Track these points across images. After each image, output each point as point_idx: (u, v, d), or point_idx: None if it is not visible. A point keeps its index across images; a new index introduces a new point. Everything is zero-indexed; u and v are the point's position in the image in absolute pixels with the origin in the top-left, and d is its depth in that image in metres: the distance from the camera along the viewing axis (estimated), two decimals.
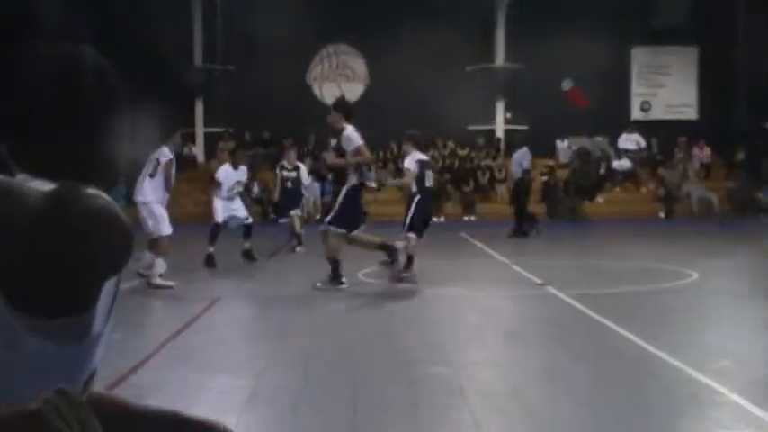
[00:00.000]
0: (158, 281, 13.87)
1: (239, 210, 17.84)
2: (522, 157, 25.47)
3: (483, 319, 11.49)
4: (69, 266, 1.72)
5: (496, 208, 31.94)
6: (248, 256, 17.88)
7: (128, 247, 1.86)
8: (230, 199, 17.71)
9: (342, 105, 15.71)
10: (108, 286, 1.94)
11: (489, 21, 34.27)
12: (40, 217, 1.72)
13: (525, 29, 34.02)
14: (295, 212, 20.98)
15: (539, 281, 14.18)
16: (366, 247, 14.86)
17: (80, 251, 1.72)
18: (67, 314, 1.76)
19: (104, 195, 1.93)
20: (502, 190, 32.91)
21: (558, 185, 32.56)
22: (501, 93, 34.87)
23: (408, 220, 15.21)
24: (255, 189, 30.80)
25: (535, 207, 31.94)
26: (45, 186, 1.86)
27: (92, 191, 1.87)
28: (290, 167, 22.03)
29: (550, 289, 13.38)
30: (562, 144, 34.74)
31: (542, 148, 34.29)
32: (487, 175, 33.03)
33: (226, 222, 17.67)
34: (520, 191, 24.57)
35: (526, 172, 25.13)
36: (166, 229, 14.17)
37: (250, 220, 18.21)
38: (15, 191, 1.79)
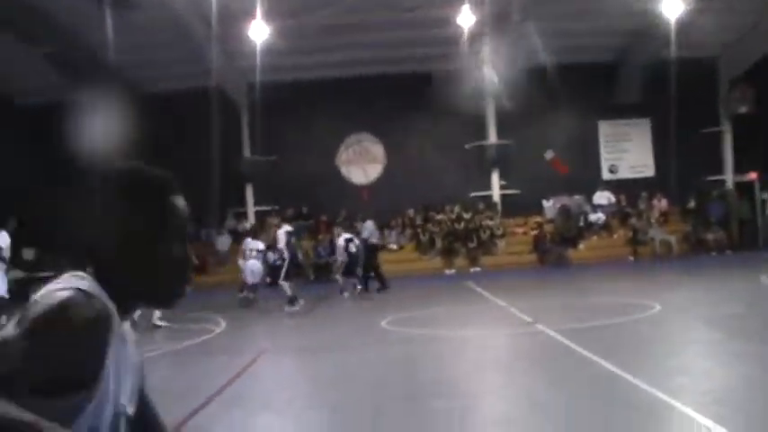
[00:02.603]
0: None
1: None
2: (369, 229, 26.87)
3: (481, 356, 11.49)
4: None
5: (497, 260, 31.96)
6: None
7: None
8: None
9: None
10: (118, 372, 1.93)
11: (481, 107, 34.45)
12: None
13: (511, 111, 34.24)
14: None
15: (529, 319, 14.16)
16: None
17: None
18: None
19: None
20: (501, 245, 32.98)
21: (546, 237, 32.53)
22: (495, 164, 34.98)
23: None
24: (299, 255, 30.92)
25: (527, 257, 32.07)
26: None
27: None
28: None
29: (539, 326, 13.35)
30: (547, 203, 34.80)
31: (532, 208, 34.50)
32: (488, 233, 33.01)
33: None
34: (372, 256, 24.75)
35: (370, 243, 25.62)
36: None
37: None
38: None
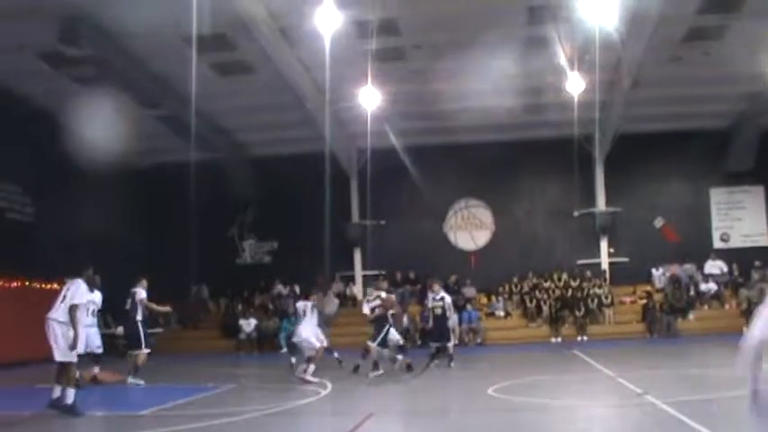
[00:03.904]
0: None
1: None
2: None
3: (590, 427, 11.19)
4: None
5: (605, 329, 31.43)
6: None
7: None
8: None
9: None
10: None
11: (590, 174, 34.13)
12: None
13: (620, 179, 33.94)
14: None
15: (639, 391, 13.79)
16: None
17: None
18: None
19: None
20: (609, 313, 32.42)
21: (655, 307, 31.85)
22: (604, 231, 34.55)
23: None
24: (405, 320, 30.84)
25: (635, 326, 31.41)
26: None
27: None
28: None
29: (650, 398, 12.97)
30: (657, 272, 34.20)
31: (641, 276, 33.92)
32: (596, 302, 32.49)
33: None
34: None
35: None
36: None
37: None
38: None
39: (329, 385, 14.69)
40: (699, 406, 12.07)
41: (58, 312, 12.39)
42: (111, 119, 29.72)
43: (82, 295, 12.57)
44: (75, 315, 12.28)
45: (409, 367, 18.69)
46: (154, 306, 18.86)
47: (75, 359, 12.45)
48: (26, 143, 27.31)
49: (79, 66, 25.11)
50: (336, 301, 33.80)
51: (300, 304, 18.66)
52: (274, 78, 26.32)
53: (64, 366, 12.34)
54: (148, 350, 18.02)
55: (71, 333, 12.24)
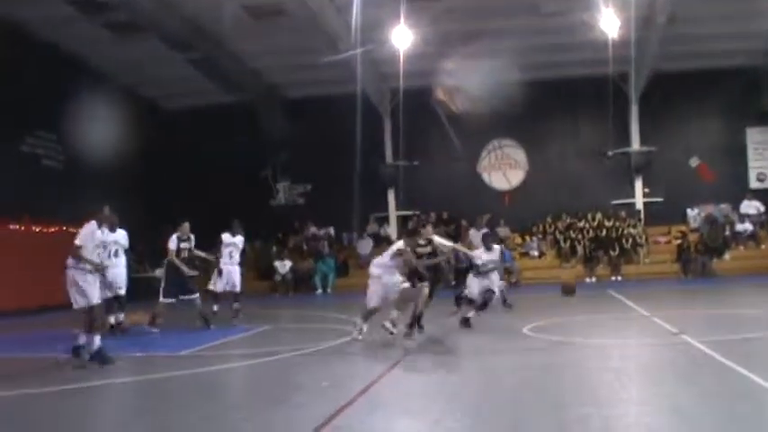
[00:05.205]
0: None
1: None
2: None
3: (625, 365, 11.20)
4: None
5: (640, 269, 31.42)
6: None
7: None
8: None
9: None
10: None
11: (624, 113, 33.87)
12: None
13: (655, 117, 33.65)
14: None
15: (675, 330, 13.79)
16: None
17: None
18: None
19: None
20: (644, 254, 32.36)
21: (690, 247, 31.72)
22: (638, 171, 34.35)
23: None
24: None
25: (670, 267, 31.31)
26: None
27: None
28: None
29: (685, 337, 12.99)
30: (692, 212, 34.08)
31: (676, 216, 33.78)
32: (631, 242, 32.42)
33: None
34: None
35: None
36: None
37: None
38: None
39: (365, 326, 14.76)
40: (734, 345, 12.06)
41: (69, 258, 12.30)
42: (141, 64, 29.90)
43: (84, 237, 12.33)
44: (79, 257, 12.12)
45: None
46: (181, 259, 18.20)
47: (93, 303, 12.32)
48: (57, 91, 27.50)
49: (109, 11, 25.13)
50: (371, 241, 33.97)
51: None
52: (305, 19, 26.21)
53: (86, 312, 12.18)
54: (170, 300, 17.63)
55: (83, 277, 12.12)
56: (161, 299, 17.57)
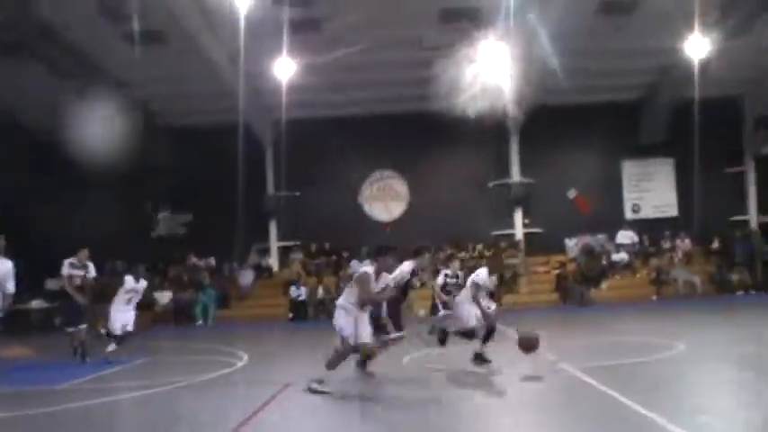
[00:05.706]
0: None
1: None
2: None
3: (504, 393, 11.34)
4: None
5: (519, 298, 31.78)
6: None
7: None
8: None
9: None
10: None
11: (504, 146, 34.53)
12: None
13: (536, 149, 34.29)
14: None
15: (553, 358, 14.03)
16: None
17: None
18: None
19: None
20: (524, 283, 32.84)
21: (569, 277, 32.35)
22: (518, 202, 34.93)
23: None
24: (320, 291, 30.93)
25: (549, 296, 31.86)
26: None
27: None
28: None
29: (563, 365, 13.22)
30: (570, 242, 34.76)
31: (555, 247, 34.44)
32: (511, 272, 32.84)
33: None
34: None
35: None
36: None
37: None
38: None
39: (245, 357, 14.58)
40: (610, 371, 12.35)
41: None
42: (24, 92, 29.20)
43: None
44: None
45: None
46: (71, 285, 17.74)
47: None
48: None
49: None
50: (252, 272, 33.74)
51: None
52: (188, 48, 25.99)
53: None
54: (71, 329, 17.19)
55: None
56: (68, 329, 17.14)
